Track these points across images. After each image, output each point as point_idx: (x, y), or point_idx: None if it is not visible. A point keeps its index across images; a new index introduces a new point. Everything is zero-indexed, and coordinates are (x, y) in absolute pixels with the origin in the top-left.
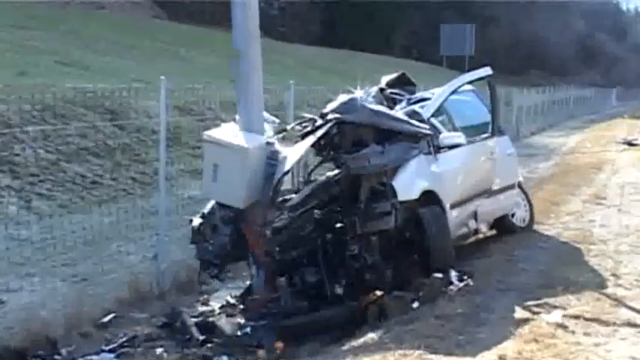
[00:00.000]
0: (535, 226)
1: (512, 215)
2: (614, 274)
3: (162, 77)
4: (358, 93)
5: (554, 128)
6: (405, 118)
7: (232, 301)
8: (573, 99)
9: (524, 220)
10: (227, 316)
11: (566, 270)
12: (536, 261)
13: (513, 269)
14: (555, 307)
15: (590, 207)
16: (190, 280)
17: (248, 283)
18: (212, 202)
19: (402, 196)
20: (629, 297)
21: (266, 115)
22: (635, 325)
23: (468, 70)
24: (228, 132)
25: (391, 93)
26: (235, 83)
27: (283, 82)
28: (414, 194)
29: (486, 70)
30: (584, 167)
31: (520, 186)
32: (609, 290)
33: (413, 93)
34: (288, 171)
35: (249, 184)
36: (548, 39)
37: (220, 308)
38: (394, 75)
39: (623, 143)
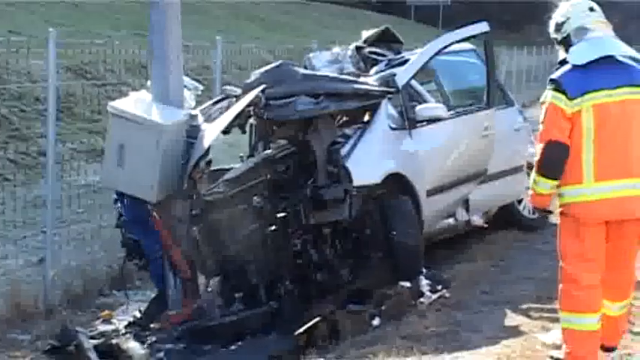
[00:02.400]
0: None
1: (520, 203)
2: None
3: (50, 30)
4: (334, 49)
5: None
6: (352, 78)
7: (142, 317)
8: None
9: (534, 212)
10: (135, 336)
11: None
12: (533, 267)
13: (503, 277)
14: (554, 324)
15: None
16: (87, 291)
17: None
18: None
19: (359, 179)
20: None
21: (186, 79)
22: None
23: (443, 25)
24: (139, 103)
25: (370, 52)
26: (148, 39)
27: (209, 38)
28: (375, 178)
29: (482, 27)
30: None
31: None
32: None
33: (399, 52)
34: (207, 152)
35: (163, 172)
36: None
37: (127, 327)
38: (376, 30)
39: None
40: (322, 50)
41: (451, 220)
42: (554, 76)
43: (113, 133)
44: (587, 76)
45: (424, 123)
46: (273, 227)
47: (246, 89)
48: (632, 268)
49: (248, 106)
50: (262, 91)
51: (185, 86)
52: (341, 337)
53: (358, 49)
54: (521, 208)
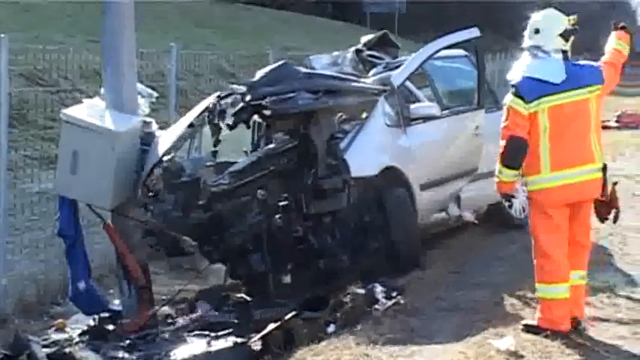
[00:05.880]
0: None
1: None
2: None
3: (1, 35)
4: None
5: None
6: (350, 77)
7: (96, 325)
8: None
9: (522, 211)
10: (89, 345)
11: (526, 285)
12: (490, 273)
13: (459, 284)
14: (508, 330)
15: None
16: (41, 299)
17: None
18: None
19: (357, 171)
20: (598, 318)
21: (140, 86)
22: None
23: (399, 32)
24: (92, 110)
25: (369, 56)
26: (101, 45)
27: (163, 45)
28: (372, 170)
29: (472, 32)
30: None
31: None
32: None
33: (395, 57)
34: (161, 159)
35: (117, 179)
36: None
37: (81, 335)
38: (374, 35)
39: None
40: (276, 56)
41: (444, 214)
42: (513, 82)
43: (66, 141)
44: (541, 83)
45: (419, 121)
46: (276, 216)
47: (250, 87)
48: (589, 240)
49: (203, 111)
50: (218, 97)
51: (139, 93)
52: (296, 343)
53: (357, 52)
54: (511, 210)
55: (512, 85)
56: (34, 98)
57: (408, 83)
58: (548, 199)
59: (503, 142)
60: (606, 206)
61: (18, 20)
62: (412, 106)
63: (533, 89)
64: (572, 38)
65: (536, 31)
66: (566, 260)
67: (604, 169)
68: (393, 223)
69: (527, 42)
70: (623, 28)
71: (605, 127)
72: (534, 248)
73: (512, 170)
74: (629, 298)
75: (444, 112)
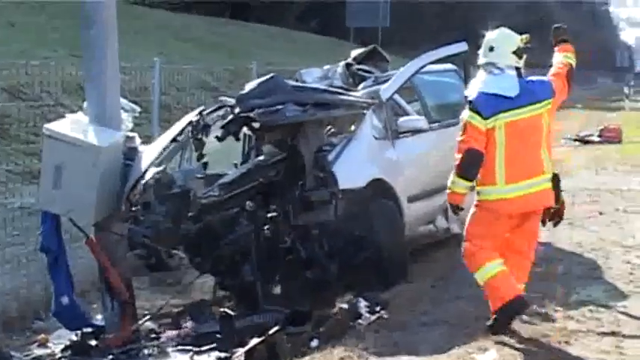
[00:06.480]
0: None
1: None
2: (563, 304)
3: None
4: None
5: None
6: (338, 90)
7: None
8: None
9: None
10: None
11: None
12: (472, 286)
13: (442, 297)
14: (491, 344)
15: None
16: (23, 314)
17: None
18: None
19: (344, 183)
20: (581, 332)
21: (123, 101)
22: None
23: (383, 47)
24: (75, 125)
25: (359, 70)
26: (83, 59)
27: (146, 59)
28: (360, 182)
29: (461, 46)
30: None
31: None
32: (558, 324)
33: (385, 70)
34: (145, 173)
35: (100, 193)
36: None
37: (63, 350)
38: (364, 49)
39: (575, 140)
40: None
41: (431, 227)
42: (470, 98)
43: (49, 155)
44: (497, 99)
45: (407, 134)
46: (265, 228)
47: (240, 99)
48: (532, 251)
49: (186, 126)
50: (200, 113)
51: (122, 108)
52: (280, 358)
53: (348, 66)
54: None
55: (470, 101)
56: (16, 113)
57: (396, 97)
58: (502, 209)
59: (459, 155)
60: (555, 214)
61: (0, 36)
62: (400, 119)
63: (489, 105)
64: (524, 56)
65: (491, 49)
66: (493, 250)
67: (554, 178)
68: (380, 235)
69: (482, 59)
70: (564, 40)
71: (587, 142)
72: (464, 249)
73: (467, 182)
74: (611, 312)
75: (433, 125)
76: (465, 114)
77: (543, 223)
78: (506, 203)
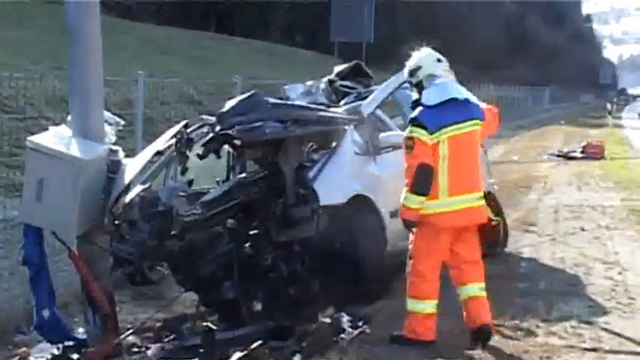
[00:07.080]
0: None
1: None
2: (545, 320)
3: None
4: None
5: None
6: (318, 107)
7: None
8: (497, 100)
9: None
10: None
11: (494, 314)
12: (453, 302)
13: None
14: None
15: (517, 236)
16: (4, 328)
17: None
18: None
19: (326, 199)
20: (563, 348)
21: (107, 114)
22: None
23: (367, 62)
24: (58, 138)
25: (342, 86)
26: (68, 72)
27: (130, 73)
28: (340, 198)
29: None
30: (510, 186)
31: (492, 197)
32: (539, 339)
33: (368, 86)
34: (128, 186)
35: (83, 206)
36: (470, 24)
37: None
38: (347, 65)
39: (558, 156)
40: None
41: None
42: (413, 115)
43: (32, 168)
44: (440, 114)
45: (388, 149)
46: (247, 245)
47: (220, 117)
48: (478, 256)
49: (170, 139)
50: (185, 126)
51: (106, 121)
52: None
53: (330, 82)
54: None
55: (414, 118)
56: (0, 125)
57: (378, 112)
58: (442, 222)
59: (411, 171)
60: (492, 231)
61: None
62: (381, 134)
63: (434, 120)
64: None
65: (419, 68)
66: (438, 282)
67: (485, 196)
68: (362, 250)
69: (416, 80)
70: None
71: (571, 158)
72: (411, 267)
73: (421, 197)
74: (593, 328)
75: None
76: (411, 131)
77: (489, 246)
78: (446, 217)
